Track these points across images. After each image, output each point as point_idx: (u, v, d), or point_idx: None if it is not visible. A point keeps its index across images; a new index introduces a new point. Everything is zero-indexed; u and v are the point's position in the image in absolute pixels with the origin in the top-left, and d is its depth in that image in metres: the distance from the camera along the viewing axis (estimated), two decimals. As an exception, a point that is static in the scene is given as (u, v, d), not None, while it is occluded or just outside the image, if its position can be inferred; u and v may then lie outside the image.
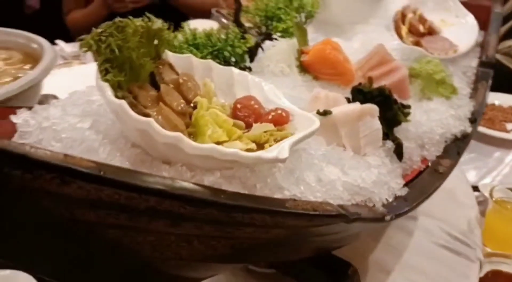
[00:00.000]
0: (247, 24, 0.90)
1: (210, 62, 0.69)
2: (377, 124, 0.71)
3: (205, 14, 1.99)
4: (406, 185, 0.70)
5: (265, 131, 0.58)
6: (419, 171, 0.76)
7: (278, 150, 0.49)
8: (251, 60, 0.83)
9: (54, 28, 1.20)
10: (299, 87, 0.76)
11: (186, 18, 2.06)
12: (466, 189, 1.06)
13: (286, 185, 0.51)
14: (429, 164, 0.77)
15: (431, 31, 1.03)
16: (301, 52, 0.80)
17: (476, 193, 1.07)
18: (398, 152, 0.74)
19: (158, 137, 0.45)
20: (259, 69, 0.81)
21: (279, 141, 0.55)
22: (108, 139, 0.49)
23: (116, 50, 0.51)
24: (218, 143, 0.55)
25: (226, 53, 0.76)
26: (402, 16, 1.02)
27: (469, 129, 0.85)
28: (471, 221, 0.96)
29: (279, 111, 0.61)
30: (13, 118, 0.50)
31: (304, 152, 0.59)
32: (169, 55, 0.67)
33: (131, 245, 0.46)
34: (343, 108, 0.68)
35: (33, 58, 1.11)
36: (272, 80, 0.77)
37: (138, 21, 0.60)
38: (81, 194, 0.35)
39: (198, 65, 0.69)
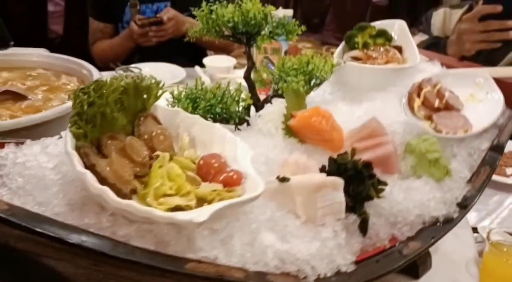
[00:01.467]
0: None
1: (196, 117, 0.78)
2: (340, 197, 0.73)
3: (223, 49, 2.07)
4: (359, 261, 0.72)
5: (213, 190, 0.65)
6: (382, 250, 0.76)
7: (198, 213, 0.55)
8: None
9: (77, 55, 1.35)
10: (279, 149, 0.81)
11: (205, 51, 2.17)
12: (466, 230, 1.07)
13: (205, 246, 0.56)
14: (396, 244, 0.78)
15: (448, 107, 1.02)
16: (290, 116, 0.85)
17: (475, 234, 1.11)
18: (362, 227, 0.76)
19: (90, 188, 0.53)
20: (251, 125, 0.87)
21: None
22: (64, 180, 0.58)
23: (85, 106, 0.60)
24: (164, 195, 0.62)
25: (218, 110, 0.83)
26: (418, 89, 1.03)
27: (454, 215, 0.83)
28: (469, 261, 1.01)
29: (231, 174, 0.67)
30: (-1, 152, 0.62)
31: (244, 215, 0.64)
32: (158, 108, 0.76)
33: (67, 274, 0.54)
34: (303, 178, 0.72)
35: (72, 76, 1.29)
36: (257, 138, 0.84)
37: (128, 79, 0.69)
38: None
39: (185, 119, 0.77)
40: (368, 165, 0.80)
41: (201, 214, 0.55)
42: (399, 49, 1.23)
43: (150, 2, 2.08)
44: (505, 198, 1.35)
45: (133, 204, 0.53)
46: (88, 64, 1.29)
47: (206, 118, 0.84)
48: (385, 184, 0.80)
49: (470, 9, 1.80)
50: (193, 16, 0.94)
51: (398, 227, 0.79)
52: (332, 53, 1.16)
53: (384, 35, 1.23)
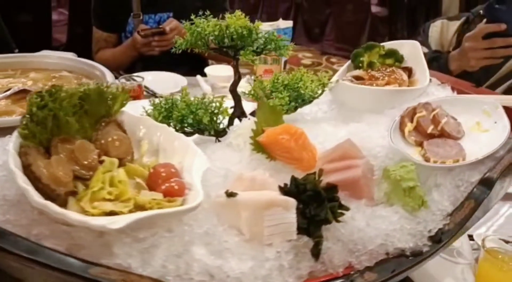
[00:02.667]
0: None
1: (162, 126, 0.80)
2: (290, 218, 0.72)
3: (224, 59, 2.11)
4: (302, 286, 0.70)
5: (153, 199, 0.66)
6: (334, 277, 0.74)
7: (114, 220, 0.56)
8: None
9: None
10: (243, 164, 0.81)
11: (207, 61, 2.19)
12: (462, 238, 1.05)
13: (121, 253, 0.57)
14: (351, 272, 0.75)
15: (443, 134, 0.97)
16: (262, 131, 0.85)
17: (471, 242, 1.13)
18: (314, 251, 0.74)
19: (19, 186, 0.57)
20: (224, 138, 0.88)
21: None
22: (8, 177, 0.62)
23: (34, 109, 0.64)
24: (104, 200, 0.65)
25: (190, 120, 0.85)
26: (412, 113, 0.98)
27: (424, 248, 0.79)
28: (464, 268, 1.04)
29: (173, 184, 0.68)
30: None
31: (179, 227, 0.65)
32: (125, 115, 0.79)
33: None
34: (252, 194, 0.72)
35: (92, 79, 1.36)
36: (224, 152, 0.84)
37: (91, 87, 0.72)
38: None
39: (151, 127, 0.80)
40: (331, 188, 0.78)
41: (118, 221, 0.56)
42: (409, 70, 1.19)
43: (152, 12, 2.15)
44: (501, 206, 1.34)
45: (48, 204, 0.56)
46: (104, 69, 1.35)
47: (178, 129, 0.86)
48: (346, 208, 0.77)
49: (467, 21, 1.89)
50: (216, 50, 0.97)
51: (356, 255, 0.76)
52: (333, 63, 1.15)
53: (394, 55, 1.20)
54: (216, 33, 0.86)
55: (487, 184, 0.86)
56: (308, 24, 4.58)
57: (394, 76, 1.12)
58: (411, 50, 1.23)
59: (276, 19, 1.58)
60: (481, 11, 1.85)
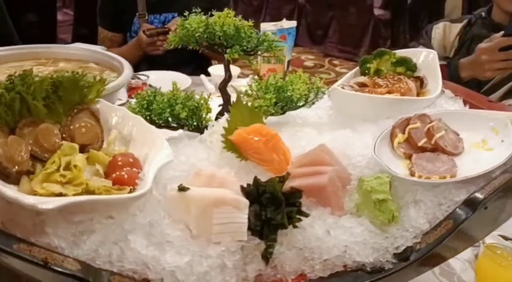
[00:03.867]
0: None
1: (137, 117, 0.83)
2: (241, 218, 0.72)
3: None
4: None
5: (103, 186, 0.69)
6: (280, 283, 0.72)
7: (46, 201, 0.59)
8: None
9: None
10: (209, 161, 0.82)
11: (210, 61, 2.20)
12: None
13: (52, 233, 0.60)
14: (302, 281, 0.73)
15: (437, 148, 0.92)
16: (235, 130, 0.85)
17: None
18: (265, 255, 0.73)
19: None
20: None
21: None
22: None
23: (2, 90, 0.68)
24: (56, 182, 0.68)
25: (167, 114, 0.87)
26: (405, 124, 0.94)
27: (386, 265, 0.75)
28: (464, 263, 1.09)
29: (123, 173, 0.70)
30: None
31: (120, 215, 0.66)
32: (101, 104, 0.82)
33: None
34: (204, 191, 0.72)
35: (112, 69, 1.43)
36: (195, 148, 0.85)
37: (66, 74, 0.76)
38: None
39: (126, 117, 0.83)
40: (295, 192, 0.77)
41: (49, 202, 0.59)
42: (421, 80, 1.14)
43: (158, 12, 2.20)
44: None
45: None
46: (126, 63, 1.42)
47: (160, 122, 0.88)
48: (306, 215, 0.76)
49: (469, 23, 1.97)
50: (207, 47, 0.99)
51: (310, 264, 0.74)
52: (335, 65, 1.13)
53: (405, 63, 1.15)
54: (202, 30, 0.87)
55: (470, 204, 0.80)
56: (311, 26, 4.60)
57: (399, 85, 1.07)
58: (426, 59, 1.17)
59: (279, 21, 1.57)
60: (483, 14, 1.93)
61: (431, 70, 1.16)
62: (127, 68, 1.38)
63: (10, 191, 0.60)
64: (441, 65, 1.21)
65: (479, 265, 1.07)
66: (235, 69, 1.55)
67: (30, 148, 0.69)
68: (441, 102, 1.09)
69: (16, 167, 0.66)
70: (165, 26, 2.14)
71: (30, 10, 2.92)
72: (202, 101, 0.91)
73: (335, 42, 4.90)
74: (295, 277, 0.73)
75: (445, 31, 2.00)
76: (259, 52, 0.97)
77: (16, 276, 0.64)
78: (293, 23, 1.62)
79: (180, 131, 0.93)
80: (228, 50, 0.90)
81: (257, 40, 0.94)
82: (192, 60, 2.03)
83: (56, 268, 0.56)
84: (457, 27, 1.99)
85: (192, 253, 0.68)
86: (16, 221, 0.60)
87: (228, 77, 0.97)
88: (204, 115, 0.91)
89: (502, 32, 1.66)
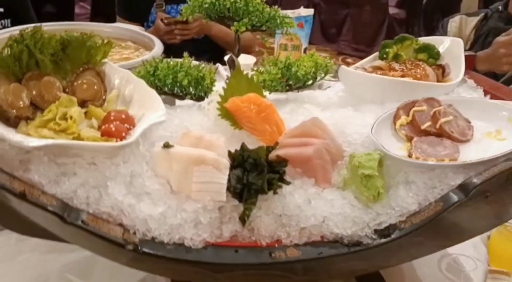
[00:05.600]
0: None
1: (139, 81, 0.88)
2: (220, 178, 0.75)
3: (243, 49, 2.08)
4: (215, 244, 0.72)
5: (93, 136, 0.74)
6: (255, 245, 0.74)
7: (32, 140, 0.65)
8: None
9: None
10: (201, 126, 0.86)
11: (226, 52, 2.19)
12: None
13: (35, 170, 0.66)
14: (275, 246, 0.74)
15: (442, 133, 0.90)
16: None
17: None
18: (242, 217, 0.75)
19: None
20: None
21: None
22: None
23: (11, 42, 0.75)
24: (50, 129, 0.74)
25: (169, 81, 0.91)
26: (410, 106, 0.93)
27: (364, 239, 0.75)
28: (475, 261, 1.11)
29: (111, 126, 0.75)
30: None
31: (104, 164, 0.71)
32: (107, 65, 0.88)
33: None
34: (187, 149, 0.75)
35: (146, 48, 1.51)
36: (191, 113, 0.90)
37: (74, 34, 0.83)
38: None
39: (129, 79, 0.88)
40: (280, 161, 0.79)
41: (34, 141, 0.64)
42: (442, 68, 1.11)
43: (175, 3, 2.24)
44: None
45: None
46: (158, 43, 1.49)
47: (160, 89, 0.93)
48: (287, 183, 0.77)
49: (485, 17, 2.00)
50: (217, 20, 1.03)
51: (287, 230, 0.75)
52: (348, 63, 1.12)
53: (428, 50, 1.13)
54: (211, 1, 0.91)
55: (464, 188, 0.78)
56: (325, 24, 4.54)
57: (415, 70, 1.06)
58: (451, 48, 1.15)
59: (295, 13, 1.59)
60: (500, 7, 1.97)
61: (455, 59, 1.13)
62: (158, 46, 1.45)
63: (1, 129, 0.67)
64: (468, 56, 1.17)
65: (492, 242, 1.15)
66: (251, 59, 1.57)
67: (32, 97, 0.76)
68: (460, 91, 1.06)
69: (15, 111, 0.73)
70: None
71: (48, 2, 3.07)
72: (206, 72, 0.95)
73: (349, 40, 4.87)
74: (270, 242, 0.75)
75: (461, 24, 2.03)
76: (269, 28, 0.99)
77: (20, 218, 0.71)
78: (311, 11, 1.65)
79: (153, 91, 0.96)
80: (235, 23, 0.93)
81: (268, 15, 0.96)
82: (208, 51, 2.09)
83: (31, 200, 0.62)
84: (474, 20, 2.02)
85: (168, 205, 0.71)
86: (5, 157, 0.66)
87: (237, 51, 1.00)
88: (208, 86, 0.94)
89: None
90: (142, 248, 0.67)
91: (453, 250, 1.14)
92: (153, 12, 2.35)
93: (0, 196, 0.64)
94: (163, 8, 2.28)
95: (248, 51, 2.23)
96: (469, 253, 1.14)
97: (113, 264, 1.02)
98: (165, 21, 2.19)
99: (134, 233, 0.69)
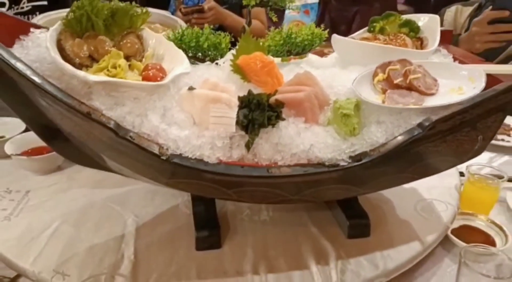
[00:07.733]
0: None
1: (169, 43, 1.12)
2: (231, 114, 0.98)
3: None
4: (226, 163, 0.95)
5: (136, 79, 0.98)
6: (256, 165, 0.97)
7: (93, 76, 0.89)
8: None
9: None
10: (218, 78, 1.09)
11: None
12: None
13: (96, 99, 0.90)
14: (272, 166, 0.98)
15: (412, 87, 1.11)
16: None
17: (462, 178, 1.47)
18: (247, 144, 0.98)
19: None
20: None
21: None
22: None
23: (74, 8, 1.00)
24: (104, 74, 0.99)
25: (193, 44, 1.15)
26: (386, 66, 1.14)
27: (341, 162, 0.98)
28: (452, 189, 1.40)
29: (149, 72, 0.99)
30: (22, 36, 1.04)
31: (145, 98, 0.95)
32: (145, 31, 1.12)
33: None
34: (207, 91, 0.99)
35: (173, 30, 1.74)
36: (208, 68, 1.13)
37: (121, 4, 1.07)
38: None
39: (161, 42, 1.12)
40: (278, 104, 1.02)
41: (95, 78, 0.89)
42: (421, 40, 1.32)
43: None
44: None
45: (56, 60, 0.90)
46: (173, 16, 1.74)
47: (185, 50, 1.16)
48: (282, 119, 1.00)
49: (479, 7, 2.13)
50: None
51: (282, 155, 0.98)
52: None
53: (409, 25, 1.35)
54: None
55: (422, 126, 1.00)
56: (334, 21, 4.66)
57: (395, 40, 1.27)
58: (429, 23, 1.36)
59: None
60: None
61: (432, 33, 1.34)
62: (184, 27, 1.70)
63: (70, 66, 0.91)
64: (445, 31, 1.38)
65: (464, 189, 1.41)
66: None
67: (90, 51, 1.00)
68: (433, 58, 1.27)
69: (77, 59, 0.98)
70: (200, 4, 2.47)
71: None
72: (223, 39, 1.18)
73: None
74: (269, 163, 0.98)
75: (457, 13, 2.19)
76: (275, 3, 1.22)
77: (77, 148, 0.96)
78: None
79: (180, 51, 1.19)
80: (245, -3, 1.17)
81: (273, -6, 1.19)
82: None
83: (95, 118, 0.86)
84: (469, 10, 2.18)
85: (192, 132, 0.95)
86: (71, 88, 0.91)
87: (248, 23, 1.23)
88: (224, 49, 1.18)
89: (491, 6, 1.81)
90: (173, 159, 0.91)
91: (428, 195, 1.37)
92: (172, 4, 2.62)
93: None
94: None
95: None
96: (444, 198, 1.36)
97: (146, 196, 1.28)
98: (183, 10, 2.45)
99: (167, 149, 0.93)
